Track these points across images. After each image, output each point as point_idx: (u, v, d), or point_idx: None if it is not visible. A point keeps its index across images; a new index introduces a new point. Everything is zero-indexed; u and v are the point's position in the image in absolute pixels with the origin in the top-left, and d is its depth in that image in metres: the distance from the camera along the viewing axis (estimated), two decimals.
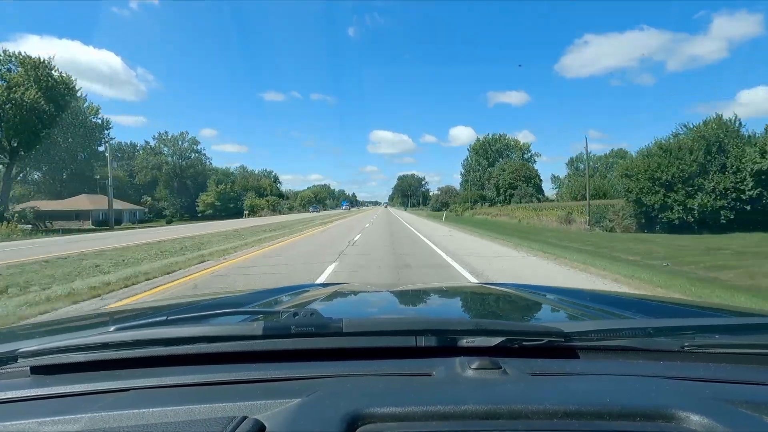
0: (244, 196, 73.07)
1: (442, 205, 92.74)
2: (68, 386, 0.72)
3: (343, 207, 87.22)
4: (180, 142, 67.34)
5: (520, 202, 63.95)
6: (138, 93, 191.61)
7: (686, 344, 0.81)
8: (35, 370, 0.79)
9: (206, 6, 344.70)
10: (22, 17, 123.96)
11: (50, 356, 0.77)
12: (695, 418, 0.58)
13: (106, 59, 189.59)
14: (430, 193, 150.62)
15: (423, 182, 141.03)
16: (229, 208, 59.15)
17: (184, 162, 66.14)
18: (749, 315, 1.17)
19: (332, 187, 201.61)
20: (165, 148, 65.96)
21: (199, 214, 63.13)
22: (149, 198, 62.63)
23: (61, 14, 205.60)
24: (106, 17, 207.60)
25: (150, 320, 0.94)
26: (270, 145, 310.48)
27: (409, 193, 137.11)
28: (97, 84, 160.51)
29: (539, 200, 64.27)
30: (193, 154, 67.93)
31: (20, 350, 0.78)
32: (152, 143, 64.65)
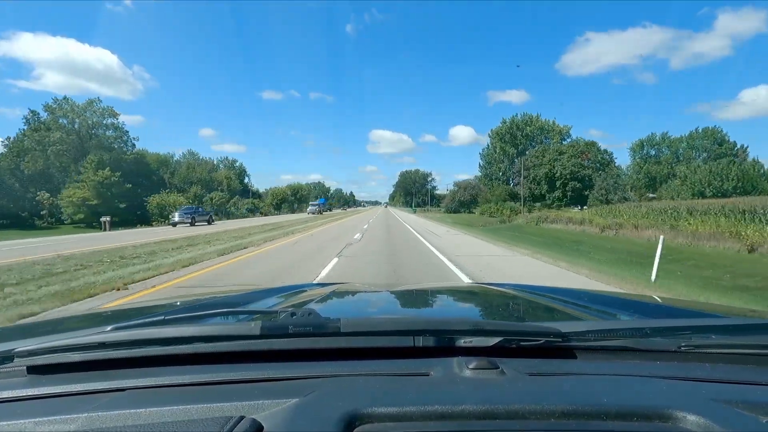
0: (188, 192, 53.89)
1: (459, 205, 73.94)
2: (65, 386, 0.74)
3: (312, 209, 59.89)
4: (89, 115, 38.70)
5: (607, 201, 31.96)
6: (134, 92, 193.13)
7: (683, 344, 0.84)
8: (31, 369, 0.81)
9: (202, 3, 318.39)
10: (14, 15, 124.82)
11: (47, 356, 0.80)
12: (692, 418, 0.59)
13: (102, 57, 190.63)
14: (437, 191, 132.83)
15: (429, 178, 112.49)
16: (120, 210, 27.83)
17: (92, 142, 37.38)
18: (745, 316, 1.27)
19: (327, 185, 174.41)
20: (65, 121, 36.94)
21: (66, 220, 33.14)
22: (47, 195, 42.70)
23: (54, 11, 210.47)
24: (101, 14, 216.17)
25: (147, 320, 0.97)
26: (269, 144, 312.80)
27: (413, 191, 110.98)
28: (93, 83, 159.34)
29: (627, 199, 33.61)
30: (108, 132, 39.49)
31: (16, 350, 0.80)
32: (43, 115, 36.90)
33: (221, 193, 51.88)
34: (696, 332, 0.91)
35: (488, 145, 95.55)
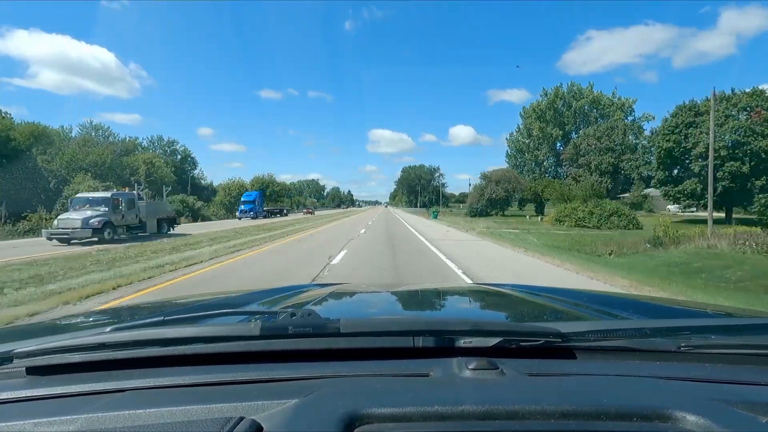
0: (71, 181, 33.77)
1: (488, 204, 52.56)
2: (64, 387, 0.77)
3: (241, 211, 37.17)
4: None
5: None
6: (132, 90, 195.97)
7: (682, 345, 0.89)
8: (31, 370, 0.85)
9: (199, 1, 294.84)
10: (7, 11, 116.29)
11: (46, 357, 0.83)
12: (691, 418, 0.62)
13: (98, 55, 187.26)
14: (446, 188, 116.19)
15: (436, 174, 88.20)
16: None
17: None
18: (745, 316, 1.32)
19: (322, 184, 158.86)
20: None
21: None
22: None
23: (49, 8, 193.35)
24: (97, 12, 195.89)
25: (147, 320, 1.03)
26: (268, 144, 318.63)
27: (419, 189, 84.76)
28: (89, 81, 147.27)
29: None
30: None
31: (16, 351, 0.84)
32: None
33: (97, 182, 28.80)
34: (695, 332, 0.95)
35: (518, 128, 69.72)
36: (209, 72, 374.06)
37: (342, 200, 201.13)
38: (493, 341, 0.83)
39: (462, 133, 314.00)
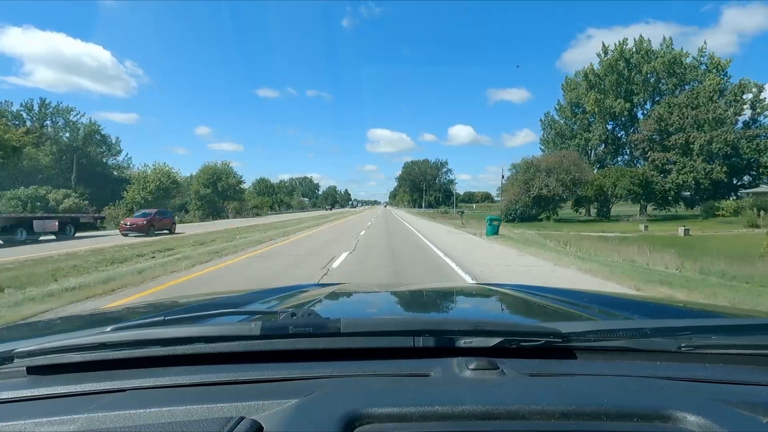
0: None
1: (533, 205, 37.37)
2: (65, 386, 0.82)
3: None
4: None
5: None
6: (128, 89, 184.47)
7: (683, 345, 0.94)
8: (32, 370, 0.91)
9: None
10: (1, 8, 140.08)
11: (47, 356, 0.88)
12: (692, 418, 0.63)
13: (94, 53, 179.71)
14: (455, 185, 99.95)
15: (443, 170, 67.78)
16: None
17: None
18: (746, 316, 1.39)
19: (315, 182, 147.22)
20: None
21: None
22: None
23: (44, 5, 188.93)
24: (92, 9, 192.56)
25: (147, 320, 1.13)
26: (267, 143, 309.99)
27: (423, 186, 61.77)
28: (85, 79, 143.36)
29: None
30: None
31: (16, 350, 0.90)
32: None
33: None
34: (696, 332, 0.99)
35: (559, 105, 50.61)
36: (207, 70, 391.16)
37: (337, 199, 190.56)
38: (493, 341, 0.85)
39: (462, 132, 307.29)
